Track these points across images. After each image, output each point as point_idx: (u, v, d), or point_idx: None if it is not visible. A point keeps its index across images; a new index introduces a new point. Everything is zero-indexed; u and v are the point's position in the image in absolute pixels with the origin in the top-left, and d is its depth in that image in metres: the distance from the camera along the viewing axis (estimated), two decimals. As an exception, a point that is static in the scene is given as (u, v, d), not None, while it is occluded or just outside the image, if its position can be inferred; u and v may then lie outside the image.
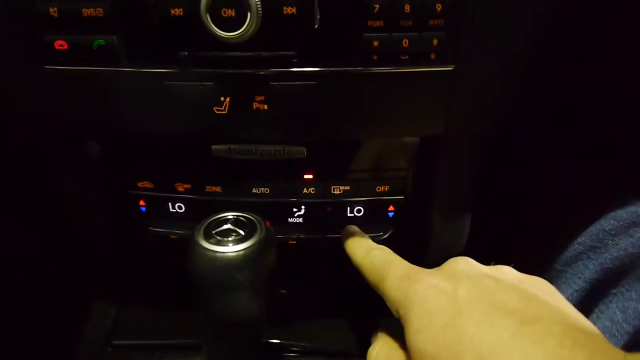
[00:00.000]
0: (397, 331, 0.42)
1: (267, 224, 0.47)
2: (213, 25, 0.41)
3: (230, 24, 0.41)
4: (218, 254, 0.42)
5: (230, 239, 0.43)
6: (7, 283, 0.63)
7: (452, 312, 0.36)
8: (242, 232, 0.44)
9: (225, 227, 0.45)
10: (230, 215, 0.46)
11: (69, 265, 0.70)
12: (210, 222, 0.45)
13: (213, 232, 0.44)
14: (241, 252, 0.42)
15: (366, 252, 0.49)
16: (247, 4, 0.41)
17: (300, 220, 0.60)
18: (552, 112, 0.60)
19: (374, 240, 0.52)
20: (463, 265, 0.42)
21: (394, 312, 0.42)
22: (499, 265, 0.42)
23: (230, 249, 0.42)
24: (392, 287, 0.42)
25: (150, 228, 0.62)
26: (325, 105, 0.47)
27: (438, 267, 0.43)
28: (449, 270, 0.41)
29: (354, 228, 0.56)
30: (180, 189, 0.59)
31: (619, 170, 0.59)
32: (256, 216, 0.46)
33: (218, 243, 0.43)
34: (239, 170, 0.57)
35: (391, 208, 0.60)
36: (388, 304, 0.43)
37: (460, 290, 0.38)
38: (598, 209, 0.58)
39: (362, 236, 0.54)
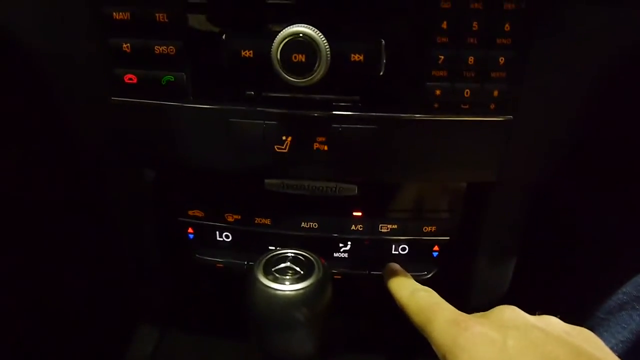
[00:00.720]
0: None
1: (323, 261, 0.48)
2: (283, 70, 0.43)
3: (299, 69, 0.43)
4: (278, 292, 0.43)
5: (288, 277, 0.44)
6: (56, 303, 0.64)
7: None
8: (300, 271, 0.45)
9: (284, 264, 0.46)
10: (289, 252, 0.47)
11: (117, 286, 0.71)
12: (269, 258, 0.46)
13: (272, 269, 0.45)
14: (300, 291, 0.43)
15: (411, 292, 0.48)
16: (317, 50, 0.42)
17: (346, 255, 0.61)
18: (599, 162, 0.61)
19: (416, 279, 0.53)
20: (510, 314, 0.42)
21: (441, 357, 0.41)
22: (545, 316, 0.42)
23: (290, 288, 0.43)
24: (439, 331, 0.41)
25: (197, 255, 0.63)
26: (384, 149, 0.48)
27: (484, 313, 0.43)
28: (497, 318, 0.41)
29: (396, 266, 0.56)
30: (230, 219, 0.60)
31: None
32: (314, 255, 0.47)
33: (277, 280, 0.44)
34: (289, 204, 0.58)
35: (436, 248, 0.61)
36: (434, 348, 0.42)
37: (510, 340, 0.38)
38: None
39: (405, 275, 0.53)
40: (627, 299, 0.57)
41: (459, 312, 0.43)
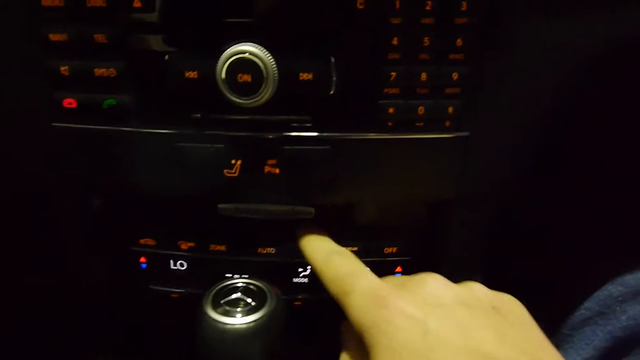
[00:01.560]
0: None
1: (276, 290, 0.45)
2: (228, 90, 0.41)
3: (245, 89, 0.41)
4: (228, 326, 0.41)
5: (239, 309, 0.42)
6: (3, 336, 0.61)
7: (423, 351, 0.34)
8: (252, 302, 0.43)
9: (234, 295, 0.43)
10: (239, 282, 0.45)
11: (67, 320, 0.68)
12: (219, 289, 0.44)
13: (221, 301, 0.43)
14: (251, 324, 0.41)
15: (326, 256, 0.45)
16: (264, 69, 0.41)
17: (306, 280, 0.59)
18: (562, 176, 0.60)
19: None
20: (433, 285, 0.40)
21: (358, 334, 0.39)
22: (470, 284, 0.41)
23: (240, 321, 0.41)
24: (357, 307, 0.39)
25: (151, 286, 0.60)
26: (338, 170, 0.47)
27: (406, 280, 0.41)
28: (419, 292, 0.39)
29: (310, 225, 0.51)
30: (184, 247, 0.57)
31: (626, 236, 0.59)
32: (266, 284, 0.45)
33: (227, 313, 0.42)
34: (245, 230, 0.56)
35: (399, 269, 0.59)
36: (352, 323, 0.39)
37: (432, 322, 0.36)
38: (605, 274, 0.57)
39: (321, 235, 0.50)
40: (589, 314, 0.56)
41: (378, 281, 0.41)
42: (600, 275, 0.58)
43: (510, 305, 0.40)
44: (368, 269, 0.43)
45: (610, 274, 0.57)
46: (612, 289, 0.56)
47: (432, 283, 0.40)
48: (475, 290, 0.41)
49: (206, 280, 0.57)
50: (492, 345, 0.35)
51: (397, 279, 0.43)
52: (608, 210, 0.62)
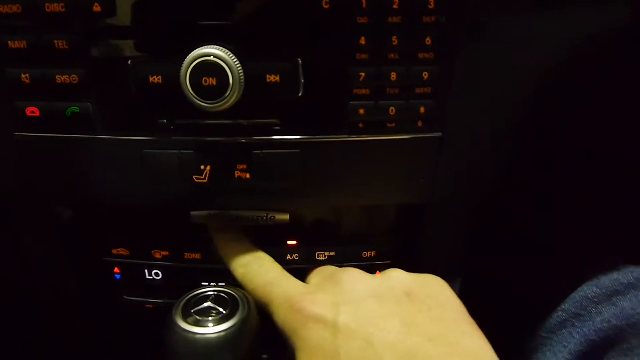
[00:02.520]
0: None
1: (250, 298, 0.44)
2: (193, 94, 0.40)
3: (211, 93, 0.40)
4: (198, 336, 0.40)
5: (210, 318, 0.41)
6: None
7: (335, 349, 0.36)
8: (223, 311, 0.41)
9: (205, 304, 0.42)
10: (210, 291, 0.44)
11: (40, 333, 0.66)
12: (189, 299, 0.43)
13: (192, 310, 0.42)
14: (222, 334, 0.40)
15: (245, 268, 0.46)
16: (229, 72, 0.39)
17: (284, 287, 0.58)
18: (539, 176, 0.60)
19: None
20: (348, 282, 0.41)
21: (286, 339, 0.41)
22: (388, 272, 0.43)
23: (211, 330, 0.40)
24: (278, 316, 0.41)
25: (125, 297, 0.59)
26: (309, 174, 0.46)
27: (325, 277, 0.44)
28: (333, 289, 0.41)
29: (224, 226, 0.52)
30: (158, 256, 0.56)
31: (602, 237, 0.59)
32: (238, 291, 0.44)
33: (197, 323, 0.41)
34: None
35: (377, 273, 0.58)
36: (278, 329, 0.42)
37: (342, 319, 0.38)
38: (581, 275, 0.57)
39: (236, 241, 0.50)
40: (566, 316, 0.56)
41: (295, 286, 0.43)
42: (577, 277, 0.57)
43: (429, 288, 0.41)
44: (286, 273, 0.45)
45: (587, 275, 0.56)
46: (587, 290, 0.56)
47: (347, 280, 0.42)
48: (391, 278, 0.42)
49: (182, 290, 0.56)
50: (397, 334, 0.36)
51: (318, 276, 0.46)
52: (584, 210, 0.61)
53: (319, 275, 0.45)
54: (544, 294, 0.58)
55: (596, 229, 0.59)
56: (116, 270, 0.58)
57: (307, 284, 0.45)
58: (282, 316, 0.40)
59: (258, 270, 0.45)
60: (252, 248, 0.49)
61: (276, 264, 0.46)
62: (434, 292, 0.41)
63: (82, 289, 0.59)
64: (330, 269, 0.46)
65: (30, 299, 0.63)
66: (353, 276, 0.42)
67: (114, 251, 0.57)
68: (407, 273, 0.43)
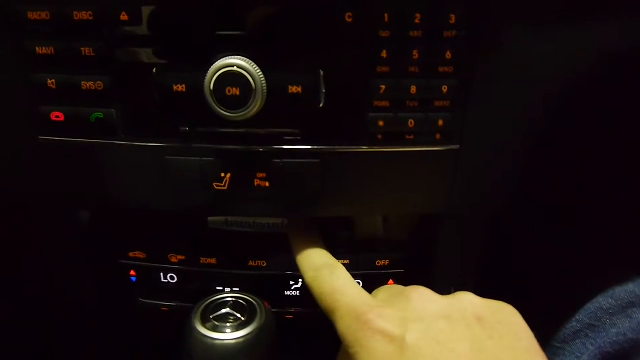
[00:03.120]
0: None
1: (267, 305, 0.45)
2: (216, 103, 0.41)
3: (234, 103, 0.41)
4: (216, 342, 0.40)
5: (228, 324, 0.42)
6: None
7: None
8: (241, 317, 0.42)
9: (223, 310, 0.43)
10: (229, 297, 0.44)
11: (55, 335, 0.67)
12: (208, 304, 0.44)
13: (211, 316, 0.42)
14: (241, 340, 0.41)
15: (315, 272, 0.46)
16: (252, 82, 0.40)
17: (297, 293, 0.58)
18: (554, 188, 0.60)
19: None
20: (417, 300, 0.41)
21: (346, 347, 0.40)
22: (460, 295, 0.42)
23: (229, 337, 0.41)
24: (342, 325, 0.40)
25: (141, 299, 0.59)
26: (327, 183, 0.46)
27: (393, 294, 0.43)
28: (403, 307, 0.40)
29: (302, 230, 0.52)
30: (174, 260, 0.57)
31: (617, 248, 0.59)
32: (256, 298, 0.45)
33: (216, 329, 0.41)
34: (235, 242, 0.56)
35: (391, 282, 0.59)
36: (340, 337, 0.41)
37: (410, 336, 0.37)
38: (596, 286, 0.57)
39: (313, 244, 0.50)
40: (580, 326, 0.56)
41: (363, 297, 0.42)
42: (592, 287, 0.57)
43: (501, 315, 0.40)
44: (356, 283, 0.44)
45: (601, 286, 0.57)
46: (602, 301, 0.56)
47: (417, 298, 0.41)
48: (462, 300, 0.41)
49: (196, 294, 0.57)
50: (466, 358, 0.35)
51: (386, 292, 0.44)
52: (599, 222, 0.61)
53: (386, 291, 0.44)
54: (557, 303, 0.59)
55: (611, 240, 0.60)
56: (132, 272, 0.59)
57: (364, 291, 0.44)
58: (346, 325, 0.40)
59: (328, 276, 0.45)
60: (326, 253, 0.48)
61: (347, 273, 0.46)
62: (506, 320, 0.39)
63: (98, 290, 0.60)
64: (397, 287, 0.45)
65: (46, 299, 0.63)
66: (424, 295, 0.41)
67: (131, 254, 0.58)
68: (478, 297, 0.41)
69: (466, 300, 0.41)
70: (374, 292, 0.45)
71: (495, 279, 0.66)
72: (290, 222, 0.53)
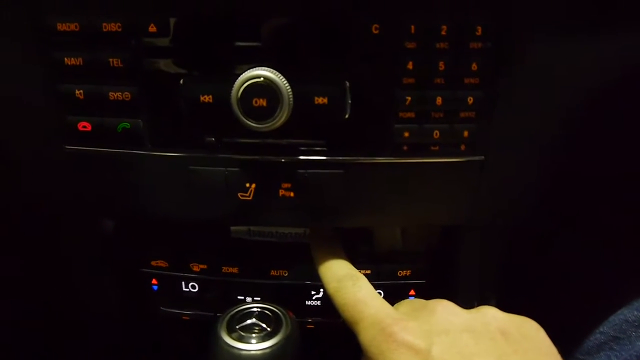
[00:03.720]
0: None
1: (291, 315, 0.45)
2: (243, 115, 0.41)
3: (260, 114, 0.41)
4: (243, 352, 0.40)
5: (254, 334, 0.42)
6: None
7: None
8: (267, 328, 0.42)
9: (249, 321, 0.43)
10: (254, 307, 0.44)
11: (76, 342, 0.68)
12: (234, 314, 0.44)
13: (237, 326, 0.42)
14: (267, 351, 0.41)
15: (338, 283, 0.45)
16: (279, 94, 0.40)
17: (319, 303, 0.58)
18: (578, 199, 0.60)
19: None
20: (442, 313, 0.41)
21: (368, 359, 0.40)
22: (483, 309, 0.42)
23: (256, 347, 0.41)
24: (365, 336, 0.40)
25: (162, 308, 0.60)
26: (352, 194, 0.46)
27: (417, 307, 0.42)
28: (427, 320, 0.40)
29: (325, 240, 0.51)
30: (196, 269, 0.57)
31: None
32: (281, 309, 0.45)
33: (242, 339, 0.41)
34: (257, 252, 0.56)
35: (412, 292, 0.59)
36: (362, 349, 0.41)
37: (435, 349, 0.37)
38: (621, 298, 0.56)
39: (335, 254, 0.49)
40: (604, 339, 0.55)
41: (387, 310, 0.42)
42: (616, 300, 0.57)
43: (525, 330, 0.40)
44: (379, 295, 0.44)
45: (626, 298, 0.56)
46: (627, 313, 0.55)
47: (441, 311, 0.41)
48: (486, 315, 0.41)
49: (218, 303, 0.57)
50: None
51: (409, 305, 0.44)
52: (623, 234, 0.61)
53: (408, 304, 0.44)
54: (581, 315, 0.58)
55: (635, 252, 0.59)
56: (154, 281, 0.59)
57: (387, 304, 0.44)
58: (370, 337, 0.39)
59: (351, 287, 0.44)
60: (348, 264, 0.48)
61: (369, 284, 0.45)
62: (530, 335, 0.39)
63: (119, 298, 0.60)
64: (420, 300, 0.45)
65: (68, 306, 0.64)
66: (448, 308, 0.41)
67: (153, 263, 0.58)
68: (501, 311, 0.41)
69: (490, 315, 0.41)
70: (396, 305, 0.45)
71: (517, 291, 0.65)
72: (312, 232, 0.53)
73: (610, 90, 0.47)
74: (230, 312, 0.44)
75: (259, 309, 0.44)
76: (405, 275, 0.57)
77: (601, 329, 0.56)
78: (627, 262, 0.59)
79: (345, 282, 0.45)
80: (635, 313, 0.54)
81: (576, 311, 0.61)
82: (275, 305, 0.45)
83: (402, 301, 0.46)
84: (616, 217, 0.61)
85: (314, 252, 0.50)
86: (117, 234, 0.56)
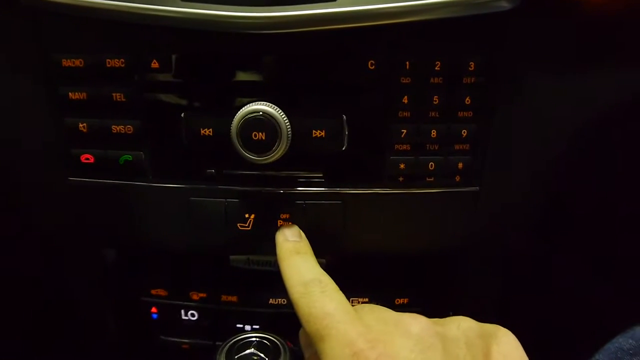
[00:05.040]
0: None
1: (289, 344, 0.45)
2: (242, 147, 0.42)
3: (260, 147, 0.42)
4: (242, 383, 0.40)
5: (253, 365, 0.42)
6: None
7: None
8: (265, 358, 0.43)
9: (248, 350, 0.43)
10: (253, 337, 0.45)
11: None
12: (232, 344, 0.44)
13: (235, 356, 0.43)
14: (265, 381, 0.41)
15: (304, 287, 0.40)
16: (277, 127, 0.41)
17: (317, 331, 0.59)
18: (572, 227, 0.61)
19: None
20: (413, 327, 0.37)
21: None
22: (456, 320, 0.39)
23: (254, 377, 0.41)
24: (331, 355, 0.35)
25: (161, 336, 0.60)
26: (350, 224, 0.47)
27: (388, 322, 0.38)
28: (396, 339, 0.36)
29: (290, 234, 0.45)
30: (195, 297, 0.58)
31: (638, 288, 0.59)
32: (279, 339, 0.45)
33: (241, 370, 0.41)
34: (256, 281, 0.56)
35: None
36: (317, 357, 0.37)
37: None
38: (617, 327, 0.57)
39: (300, 256, 0.43)
40: None
41: (358, 327, 0.36)
42: (611, 327, 0.57)
43: (495, 339, 0.38)
44: (348, 306, 0.38)
45: (621, 326, 0.56)
46: (622, 341, 0.55)
47: (417, 329, 0.37)
48: (461, 325, 0.38)
49: (217, 331, 0.57)
50: None
51: (373, 315, 0.39)
52: (619, 261, 0.61)
53: (372, 314, 0.39)
54: (576, 343, 0.58)
55: (631, 279, 0.60)
56: (153, 310, 0.60)
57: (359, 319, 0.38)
58: (337, 357, 0.35)
59: (319, 295, 0.39)
60: (316, 266, 0.42)
61: (339, 291, 0.40)
62: (503, 345, 0.38)
63: (118, 327, 0.60)
64: (387, 311, 0.40)
65: (68, 333, 0.64)
66: (420, 322, 0.37)
67: (153, 291, 0.58)
68: (473, 322, 0.39)
69: (464, 323, 0.39)
70: (357, 309, 0.39)
71: (513, 317, 0.66)
72: (280, 229, 0.47)
73: (602, 122, 0.48)
74: (229, 341, 0.44)
75: (257, 339, 0.44)
76: (403, 303, 0.58)
77: (597, 357, 0.56)
78: (622, 289, 0.60)
79: (311, 287, 0.39)
80: (630, 341, 0.54)
81: (572, 338, 0.62)
82: (273, 335, 0.45)
83: (362, 306, 0.41)
84: (612, 246, 0.62)
85: (278, 249, 0.45)
86: (118, 262, 0.57)
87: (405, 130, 0.44)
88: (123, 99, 0.44)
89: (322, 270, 0.42)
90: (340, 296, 0.39)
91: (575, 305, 0.63)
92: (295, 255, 0.43)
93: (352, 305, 0.40)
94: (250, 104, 0.42)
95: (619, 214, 0.60)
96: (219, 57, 0.43)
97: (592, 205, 0.60)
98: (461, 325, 0.38)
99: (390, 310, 0.41)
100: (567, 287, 0.65)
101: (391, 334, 0.37)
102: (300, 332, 0.44)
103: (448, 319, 0.39)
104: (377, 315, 0.39)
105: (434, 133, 0.44)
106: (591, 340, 0.58)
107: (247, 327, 0.58)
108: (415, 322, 0.37)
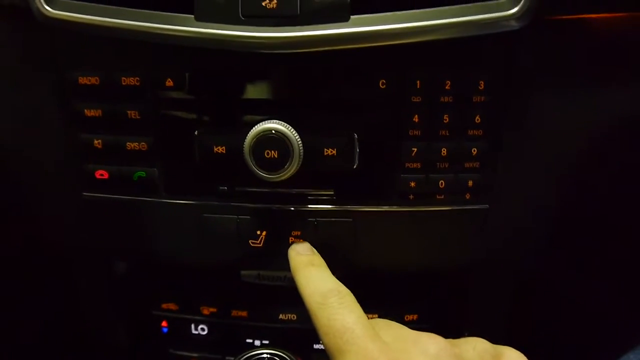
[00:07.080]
0: None
1: (299, 360, 0.46)
2: (255, 165, 0.42)
3: (272, 164, 0.42)
4: (253, 400, 0.41)
5: (263, 380, 0.42)
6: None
7: None
8: (276, 374, 0.43)
9: (259, 367, 0.44)
10: (264, 353, 0.45)
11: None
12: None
13: (247, 372, 0.43)
14: (276, 398, 0.41)
15: (322, 298, 0.40)
16: (289, 146, 0.42)
17: (327, 347, 0.59)
18: (582, 243, 0.61)
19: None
20: (429, 347, 0.37)
21: None
22: (470, 341, 0.39)
23: (265, 394, 0.41)
24: None
25: (172, 350, 0.60)
26: (360, 241, 0.48)
27: (406, 340, 0.38)
28: (414, 357, 0.36)
29: (303, 249, 0.46)
30: (206, 312, 0.58)
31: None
32: (290, 355, 0.45)
33: (251, 386, 0.42)
34: (267, 296, 0.57)
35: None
36: None
37: None
38: (625, 341, 0.56)
39: (316, 267, 0.44)
40: None
41: (378, 344, 0.36)
42: (621, 343, 0.57)
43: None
44: (366, 319, 0.39)
45: (631, 342, 0.56)
46: (633, 357, 0.55)
47: (427, 343, 0.37)
48: (476, 347, 0.39)
49: (227, 346, 0.58)
50: None
51: (391, 333, 0.39)
52: (629, 276, 0.61)
53: (390, 332, 0.39)
54: (586, 358, 0.58)
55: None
56: (164, 324, 0.60)
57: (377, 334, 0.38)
58: None
59: (337, 307, 0.39)
60: (332, 277, 0.42)
61: (357, 304, 0.40)
62: None
63: (130, 340, 0.61)
64: (404, 329, 0.40)
65: (79, 347, 0.64)
66: (437, 343, 0.37)
67: (164, 306, 0.59)
68: (486, 342, 0.39)
69: (478, 345, 0.39)
70: (374, 325, 0.39)
71: (524, 334, 0.66)
72: (292, 246, 0.47)
73: (612, 140, 0.48)
74: (240, 358, 0.45)
75: (268, 355, 0.45)
76: (413, 319, 0.58)
77: None
78: (632, 306, 0.60)
79: (330, 297, 0.39)
80: None
81: (582, 355, 0.61)
82: (283, 351, 0.45)
83: (377, 320, 0.42)
84: (622, 260, 0.62)
85: (292, 262, 0.45)
86: (129, 277, 0.57)
87: (415, 149, 0.44)
88: (138, 116, 0.45)
89: (338, 281, 0.42)
90: (359, 309, 0.39)
91: (585, 322, 0.63)
92: (310, 267, 0.44)
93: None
94: (263, 122, 0.42)
95: (633, 234, 0.60)
96: (233, 76, 0.44)
97: (603, 223, 0.60)
98: (477, 347, 0.39)
99: (406, 327, 0.41)
100: (579, 304, 0.65)
101: (410, 353, 0.37)
102: None
103: (463, 339, 0.39)
104: (394, 332, 0.40)
105: (444, 151, 0.44)
106: (603, 358, 0.58)
107: (257, 342, 0.58)
108: (433, 342, 0.37)
